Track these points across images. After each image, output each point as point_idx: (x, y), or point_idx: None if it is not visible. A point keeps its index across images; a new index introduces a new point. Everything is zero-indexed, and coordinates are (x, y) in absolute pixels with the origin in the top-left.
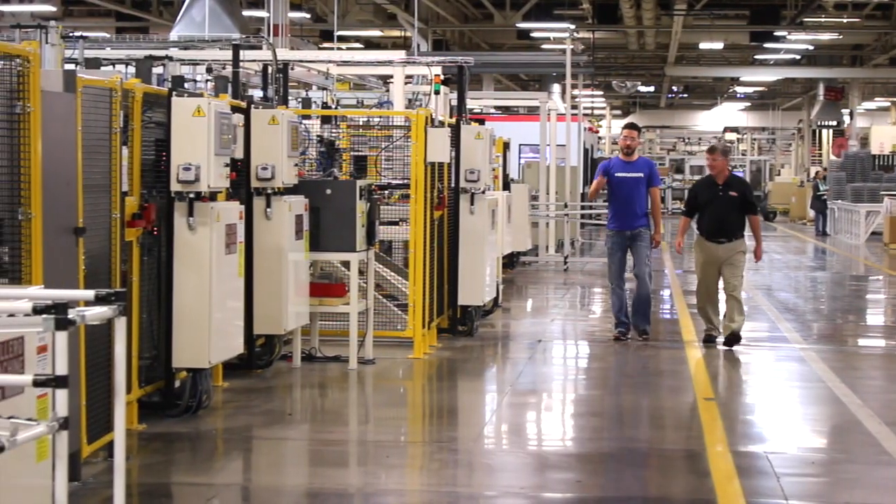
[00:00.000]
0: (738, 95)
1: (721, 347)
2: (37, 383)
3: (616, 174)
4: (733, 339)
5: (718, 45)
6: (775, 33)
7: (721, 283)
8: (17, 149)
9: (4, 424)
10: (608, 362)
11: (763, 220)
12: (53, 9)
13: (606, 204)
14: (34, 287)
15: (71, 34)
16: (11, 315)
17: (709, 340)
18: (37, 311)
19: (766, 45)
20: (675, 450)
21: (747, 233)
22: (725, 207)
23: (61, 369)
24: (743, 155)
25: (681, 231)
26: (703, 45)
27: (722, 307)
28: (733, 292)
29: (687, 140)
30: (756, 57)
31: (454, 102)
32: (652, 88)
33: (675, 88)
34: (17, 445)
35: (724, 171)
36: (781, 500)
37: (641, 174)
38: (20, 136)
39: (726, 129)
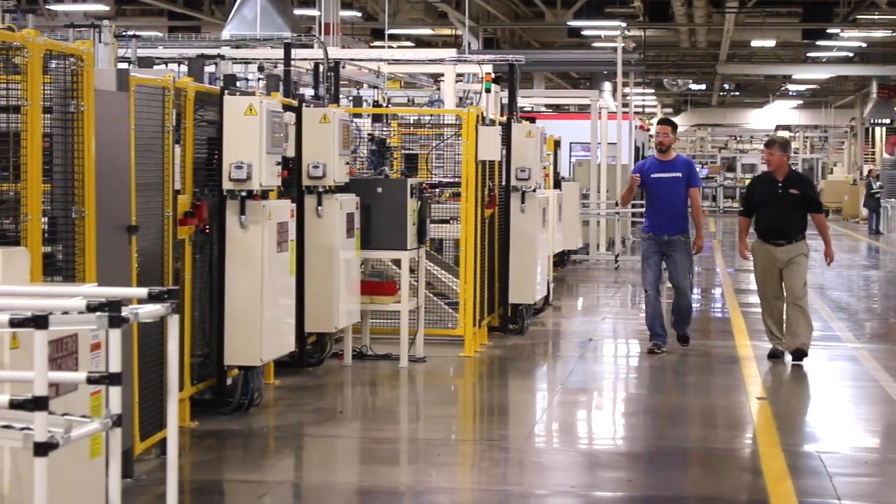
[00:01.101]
0: (790, 93)
1: (790, 361)
2: (91, 380)
3: (651, 175)
4: (799, 354)
5: (770, 43)
6: (828, 31)
7: (784, 291)
8: (72, 147)
9: (58, 421)
10: (659, 361)
11: None
12: (106, 8)
13: None
14: (88, 285)
15: (124, 33)
16: (66, 313)
17: (773, 356)
18: (90, 308)
19: (819, 42)
20: (726, 449)
21: (811, 232)
22: (784, 206)
23: (115, 367)
24: (795, 153)
25: (742, 233)
26: (755, 43)
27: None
28: (797, 301)
29: (738, 138)
30: (808, 54)
31: (505, 101)
32: (703, 86)
33: (726, 86)
34: (71, 442)
35: (782, 166)
36: (834, 500)
37: (679, 174)
38: (74, 135)
39: (778, 127)
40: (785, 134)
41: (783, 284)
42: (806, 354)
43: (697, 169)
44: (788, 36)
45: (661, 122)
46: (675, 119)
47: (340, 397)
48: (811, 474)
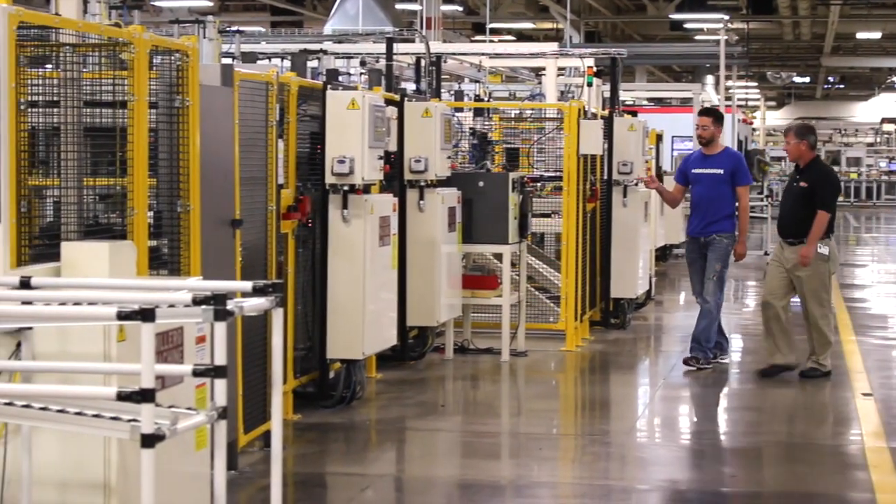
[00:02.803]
0: None
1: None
2: (196, 373)
3: (693, 170)
4: (810, 373)
5: (876, 35)
6: None
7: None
8: (177, 142)
9: (165, 413)
10: (762, 356)
11: None
12: (210, 3)
13: (761, 196)
14: (193, 278)
15: (227, 29)
16: (171, 306)
17: (766, 374)
18: (196, 302)
19: None
20: (831, 445)
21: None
22: (792, 200)
23: (220, 359)
24: None
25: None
26: (861, 35)
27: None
28: (817, 322)
29: (843, 132)
30: None
31: (607, 94)
32: (807, 79)
33: (831, 79)
34: (177, 434)
35: (801, 155)
36: None
37: (721, 170)
38: (179, 130)
39: (884, 120)
40: (891, 127)
41: (796, 293)
42: (814, 376)
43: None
44: (894, 28)
45: (701, 113)
46: (779, 112)
47: (442, 391)
48: None
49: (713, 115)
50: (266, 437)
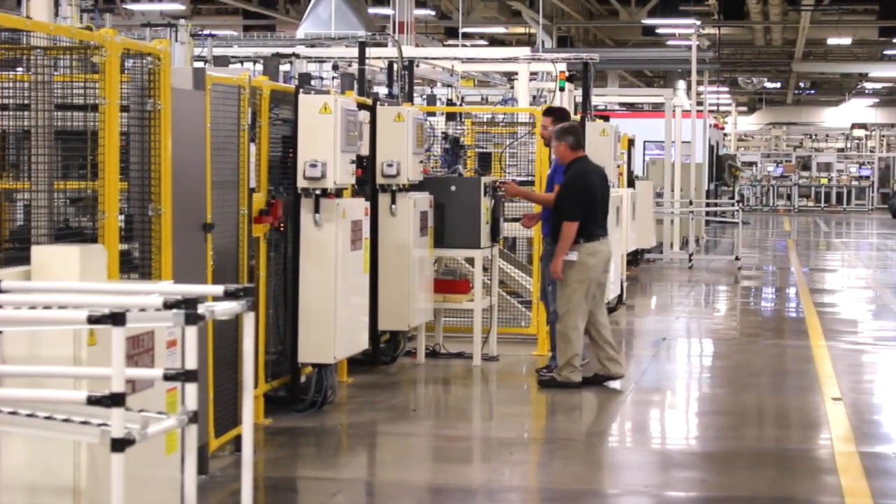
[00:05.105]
0: (867, 91)
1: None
2: (167, 377)
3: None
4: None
5: (847, 41)
6: None
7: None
8: (148, 146)
9: (135, 417)
10: (733, 360)
11: (893, 219)
12: (182, 7)
13: (732, 201)
14: (164, 282)
15: (200, 32)
16: (142, 310)
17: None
18: (167, 305)
19: None
20: (801, 450)
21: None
22: None
23: (191, 363)
24: (871, 152)
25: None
26: (831, 41)
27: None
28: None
29: (814, 137)
30: (885, 52)
31: (579, 99)
32: (778, 84)
33: (801, 84)
34: (147, 438)
35: (562, 156)
36: None
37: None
38: (151, 134)
39: (854, 126)
40: (861, 132)
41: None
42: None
43: (771, 168)
44: (865, 33)
45: (545, 113)
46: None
47: (413, 395)
48: (887, 475)
49: (555, 114)
50: (237, 441)
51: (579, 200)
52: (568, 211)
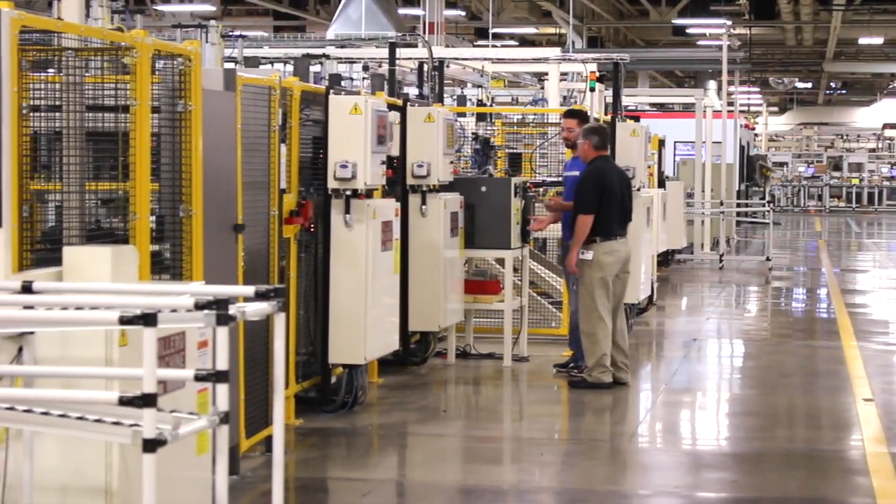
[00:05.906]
0: None
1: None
2: (198, 378)
3: (564, 174)
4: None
5: (878, 41)
6: None
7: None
8: (179, 147)
9: (166, 418)
10: (764, 361)
11: None
12: (213, 8)
13: (763, 201)
14: (195, 283)
15: (230, 33)
16: (174, 311)
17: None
18: (198, 306)
19: None
20: (832, 450)
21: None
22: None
23: (222, 364)
24: None
25: None
26: (863, 41)
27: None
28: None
29: (845, 137)
30: None
31: (609, 99)
32: (809, 85)
33: (833, 84)
34: (178, 439)
35: (585, 154)
36: None
37: (579, 172)
38: (182, 135)
39: (885, 126)
40: (893, 132)
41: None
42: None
43: (802, 169)
44: None
45: (566, 115)
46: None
47: (444, 396)
48: None
49: (578, 116)
50: (268, 441)
51: (595, 194)
52: (582, 203)
